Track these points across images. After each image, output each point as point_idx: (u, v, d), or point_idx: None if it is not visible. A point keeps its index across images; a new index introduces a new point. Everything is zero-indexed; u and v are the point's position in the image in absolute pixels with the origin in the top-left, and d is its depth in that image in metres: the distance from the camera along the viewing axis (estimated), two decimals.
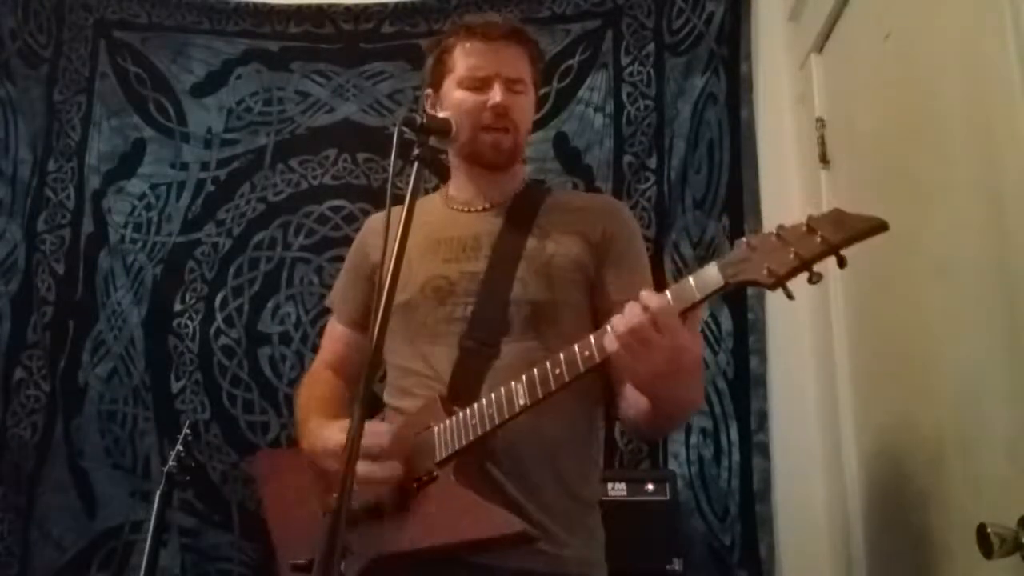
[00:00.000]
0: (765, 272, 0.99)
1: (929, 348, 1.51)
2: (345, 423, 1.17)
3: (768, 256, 1.00)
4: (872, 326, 1.81)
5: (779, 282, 0.99)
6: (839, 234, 0.96)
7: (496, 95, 1.38)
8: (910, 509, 1.58)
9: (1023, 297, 1.20)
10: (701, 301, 1.07)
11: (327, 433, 1.32)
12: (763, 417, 2.11)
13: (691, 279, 1.08)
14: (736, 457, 2.11)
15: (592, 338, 1.14)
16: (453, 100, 1.41)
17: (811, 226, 0.98)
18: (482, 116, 1.39)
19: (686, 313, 1.08)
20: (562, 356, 1.17)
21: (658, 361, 1.08)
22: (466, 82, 1.41)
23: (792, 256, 0.98)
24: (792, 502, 2.07)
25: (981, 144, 1.32)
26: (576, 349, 1.16)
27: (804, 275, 0.99)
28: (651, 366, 1.09)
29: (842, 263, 0.97)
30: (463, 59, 1.42)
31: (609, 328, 1.11)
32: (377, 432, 1.24)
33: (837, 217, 0.98)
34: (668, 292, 1.09)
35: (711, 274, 1.05)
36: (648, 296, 1.08)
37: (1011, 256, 1.23)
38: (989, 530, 1.07)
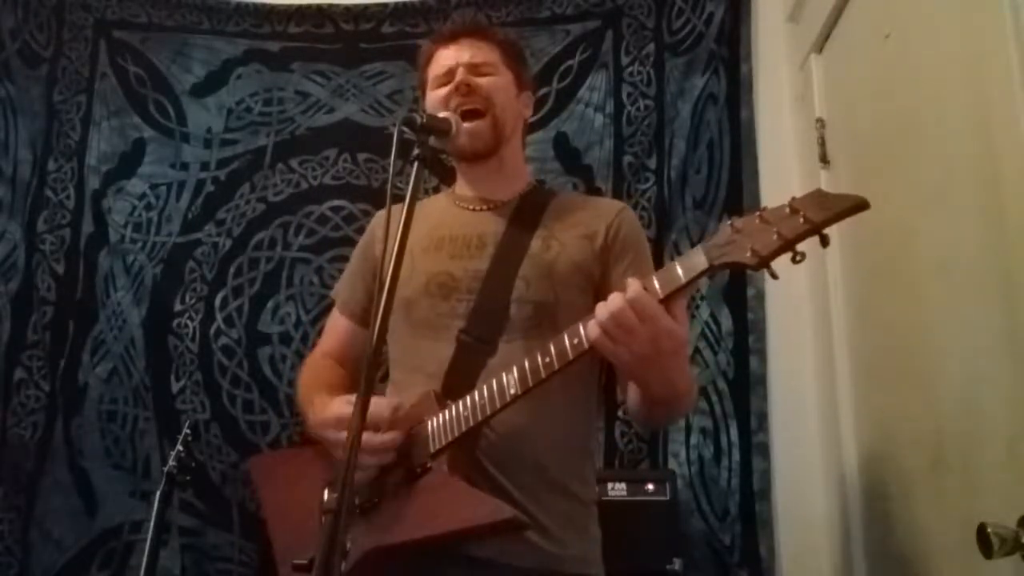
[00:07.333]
0: (749, 253, 1.01)
1: (929, 348, 1.51)
2: (350, 397, 1.22)
3: (752, 237, 1.01)
4: (872, 326, 1.81)
5: (763, 262, 1.01)
6: (821, 213, 0.97)
7: (458, 76, 1.44)
8: (910, 509, 1.58)
9: (1023, 296, 1.20)
10: (686, 284, 1.08)
11: (331, 404, 1.33)
12: (763, 417, 2.11)
13: (677, 263, 1.09)
14: (736, 457, 2.11)
15: (580, 326, 1.15)
16: (430, 103, 1.46)
17: (794, 207, 0.99)
18: (451, 101, 1.42)
19: (672, 296, 1.09)
20: (552, 346, 1.18)
21: (639, 346, 1.09)
22: (435, 82, 1.48)
23: (775, 237, 0.99)
24: (792, 502, 2.07)
25: (981, 144, 1.32)
26: (565, 337, 1.17)
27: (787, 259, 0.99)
28: (633, 351, 1.10)
29: (825, 242, 0.99)
30: (433, 65, 1.50)
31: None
32: (378, 403, 1.23)
33: (819, 197, 1.00)
34: (655, 278, 1.10)
35: (697, 257, 1.07)
36: (630, 283, 1.10)
37: (1011, 256, 1.23)
38: (989, 530, 1.07)
